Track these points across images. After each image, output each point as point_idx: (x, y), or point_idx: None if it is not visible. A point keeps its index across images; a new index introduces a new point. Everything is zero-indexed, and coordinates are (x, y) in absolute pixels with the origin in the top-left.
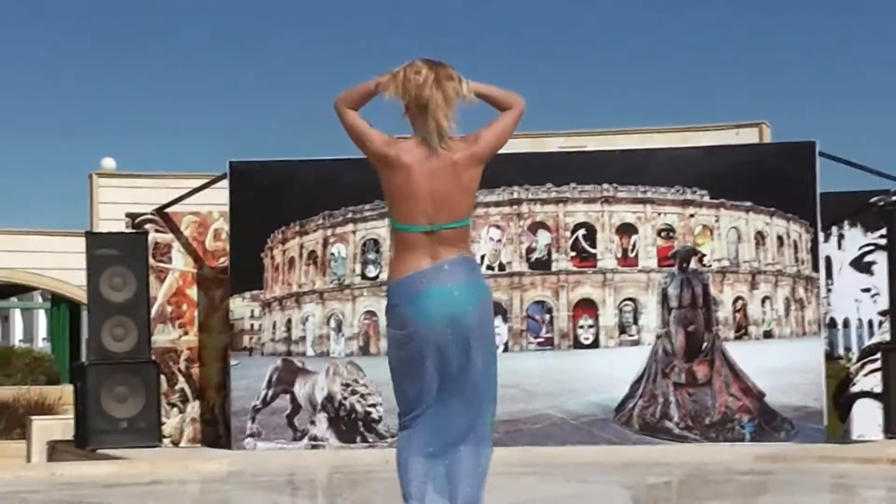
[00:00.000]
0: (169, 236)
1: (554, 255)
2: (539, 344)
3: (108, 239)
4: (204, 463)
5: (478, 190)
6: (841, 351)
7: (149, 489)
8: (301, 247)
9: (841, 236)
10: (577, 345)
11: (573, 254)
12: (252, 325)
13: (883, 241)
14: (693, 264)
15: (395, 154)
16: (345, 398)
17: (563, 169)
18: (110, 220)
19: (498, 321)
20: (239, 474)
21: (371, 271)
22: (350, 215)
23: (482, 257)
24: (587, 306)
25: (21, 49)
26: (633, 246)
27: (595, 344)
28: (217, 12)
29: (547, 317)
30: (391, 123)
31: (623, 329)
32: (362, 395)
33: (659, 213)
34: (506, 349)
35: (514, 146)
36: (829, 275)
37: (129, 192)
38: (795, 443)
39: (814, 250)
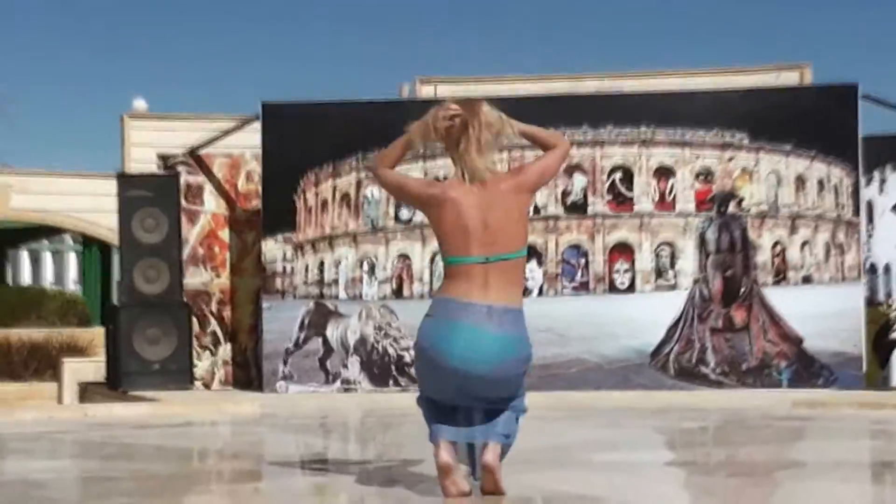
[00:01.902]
0: (201, 178)
1: (590, 199)
2: (574, 288)
3: (140, 181)
4: (236, 405)
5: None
6: (881, 297)
7: (181, 430)
8: (334, 189)
9: (883, 180)
10: (613, 289)
11: (609, 197)
12: (284, 268)
13: None
14: (731, 208)
15: (441, 191)
16: (377, 341)
17: (600, 111)
18: (142, 163)
19: (532, 265)
20: (271, 417)
21: (404, 214)
22: None
23: None
24: (623, 250)
25: None
26: (671, 189)
27: (631, 288)
28: None
29: (582, 261)
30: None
31: (659, 273)
32: (395, 339)
33: (697, 156)
34: (540, 293)
35: (550, 87)
36: (870, 219)
37: (160, 134)
38: (834, 389)
39: (855, 194)
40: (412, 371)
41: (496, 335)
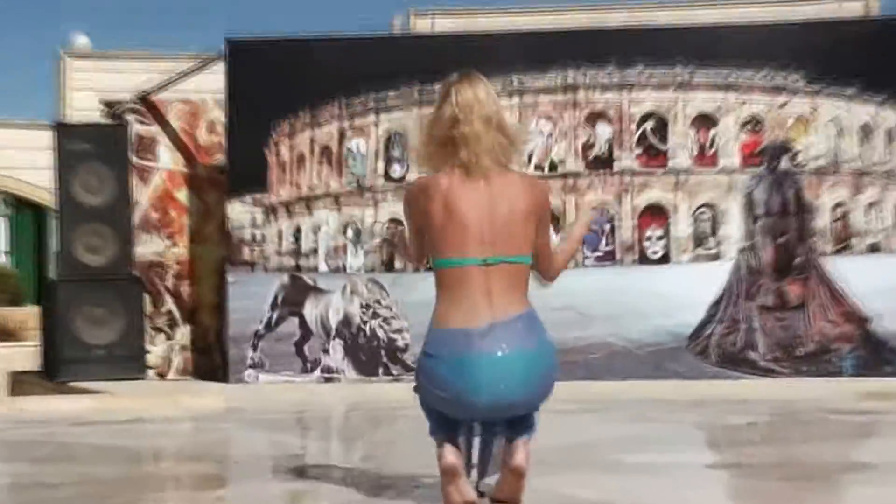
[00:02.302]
0: (154, 129)
1: (616, 152)
2: (598, 259)
3: (82, 132)
4: (196, 398)
5: (525, 73)
6: None
7: (131, 428)
8: (312, 141)
9: None
10: (644, 260)
11: (639, 150)
12: (254, 235)
13: None
14: (784, 163)
15: (433, 183)
16: (364, 322)
17: (628, 48)
18: (84, 111)
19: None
20: (238, 412)
21: (396, 171)
22: (372, 104)
23: (529, 156)
24: (656, 214)
25: None
26: (713, 141)
27: (665, 259)
28: None
29: (607, 226)
30: None
31: (699, 241)
32: (385, 319)
33: (744, 102)
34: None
35: (570, 21)
36: None
37: (105, 76)
38: None
39: None
40: (406, 357)
41: (520, 354)
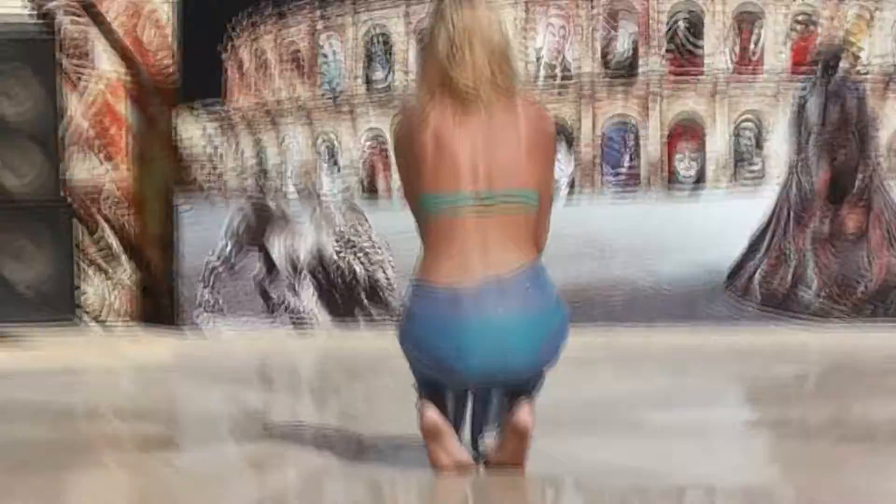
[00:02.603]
0: (90, 28)
1: (641, 55)
2: (619, 182)
3: (2, 32)
4: (140, 348)
5: None
6: None
7: (62, 382)
8: (278, 42)
9: None
10: (674, 182)
11: (669, 52)
12: (208, 154)
13: None
14: (842, 68)
15: (424, 112)
16: (340, 256)
17: None
18: (6, 7)
19: (562, 151)
20: (189, 362)
21: (378, 75)
22: None
23: (538, 59)
24: (689, 128)
25: None
26: (757, 41)
27: (699, 182)
28: None
29: (631, 143)
30: None
31: (740, 160)
32: (365, 252)
33: None
34: (571, 190)
35: None
36: None
37: None
38: None
39: None
40: (389, 297)
41: (519, 317)
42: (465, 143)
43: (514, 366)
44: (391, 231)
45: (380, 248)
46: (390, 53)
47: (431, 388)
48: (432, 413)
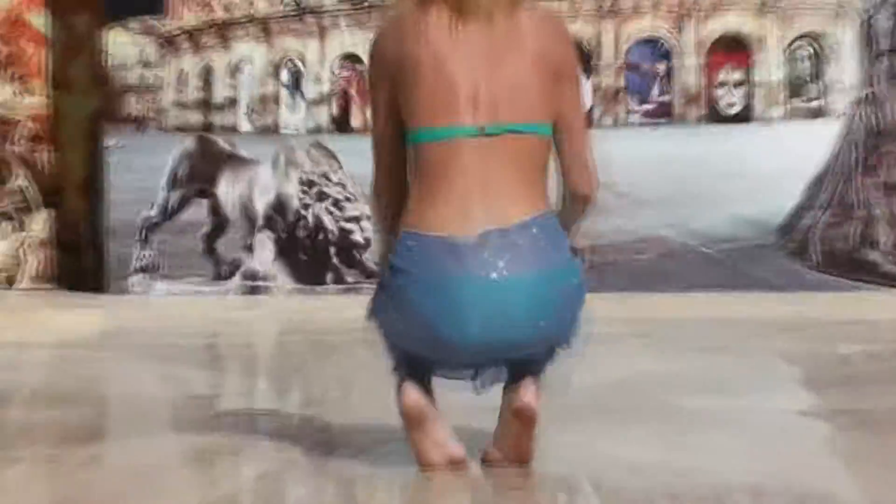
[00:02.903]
0: None
1: None
2: (647, 115)
3: None
4: (61, 315)
5: None
6: None
7: None
8: None
9: None
10: (715, 116)
11: None
12: (144, 79)
13: None
14: None
15: (410, 23)
16: (306, 206)
17: None
18: None
19: None
20: (121, 335)
21: None
22: None
23: None
24: (733, 49)
25: None
26: None
27: (745, 115)
28: None
29: (661, 66)
30: None
31: (795, 89)
32: (336, 202)
33: None
34: (589, 123)
35: None
36: None
37: None
38: None
39: None
40: (366, 258)
41: (526, 277)
42: (464, 63)
43: (519, 335)
44: (369, 175)
45: (355, 198)
46: None
47: (414, 369)
48: (415, 394)
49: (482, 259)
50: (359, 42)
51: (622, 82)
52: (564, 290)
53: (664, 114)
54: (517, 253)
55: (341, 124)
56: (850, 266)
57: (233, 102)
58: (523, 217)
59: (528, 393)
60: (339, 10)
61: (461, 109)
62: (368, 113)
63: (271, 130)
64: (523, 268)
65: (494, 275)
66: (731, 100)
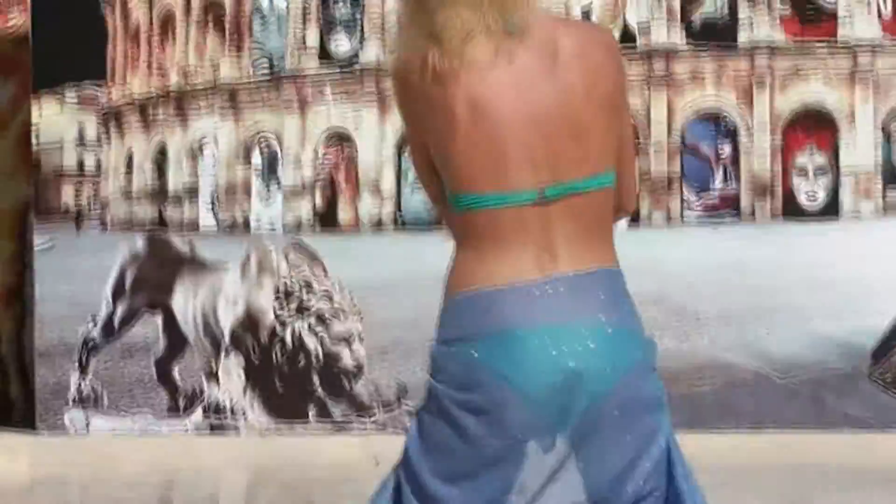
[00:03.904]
0: None
1: (742, 13)
2: (707, 209)
3: None
4: None
5: None
6: None
7: None
8: None
9: None
10: (792, 210)
11: (785, 9)
12: (82, 162)
13: None
14: None
15: (430, 58)
16: (283, 323)
17: None
18: None
19: None
20: (54, 485)
21: (340, 45)
22: None
23: (587, 12)
24: (815, 126)
25: None
26: None
27: (831, 209)
28: None
29: (726, 148)
30: None
31: (893, 177)
32: (320, 318)
33: None
34: (635, 220)
35: None
36: None
37: None
38: None
39: None
40: (359, 389)
41: (606, 325)
42: (506, 102)
43: (606, 401)
44: (363, 284)
45: (344, 310)
46: (359, 5)
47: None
48: None
49: (548, 306)
50: (348, 116)
51: (677, 168)
52: (636, 350)
53: (729, 208)
54: (585, 301)
55: (326, 219)
56: None
57: (192, 192)
58: (587, 267)
59: None
60: (323, 76)
61: (511, 171)
62: (359, 201)
63: (240, 227)
64: (610, 317)
65: (565, 323)
66: (812, 190)
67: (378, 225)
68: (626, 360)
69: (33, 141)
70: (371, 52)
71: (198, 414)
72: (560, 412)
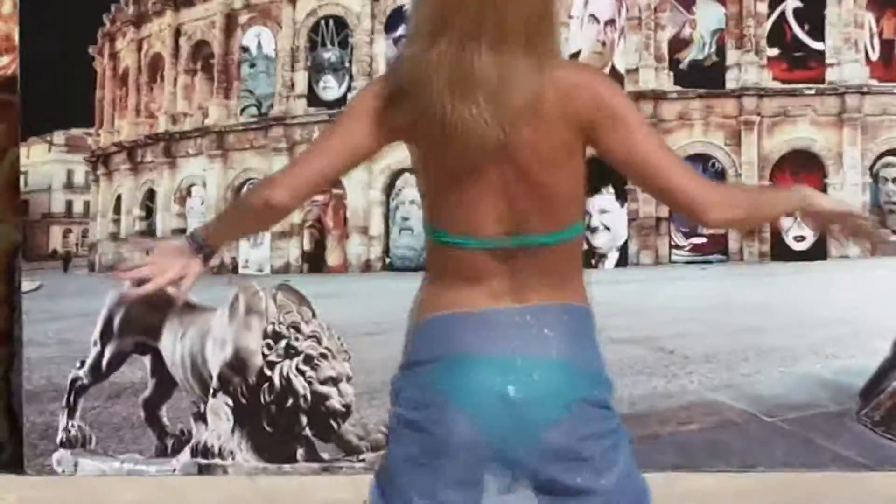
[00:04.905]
0: None
1: (730, 56)
2: (695, 250)
3: None
4: None
5: None
6: None
7: None
8: (177, 33)
9: None
10: (781, 252)
11: (773, 52)
12: (70, 206)
13: None
14: None
15: (410, 114)
16: (272, 365)
17: None
18: None
19: (607, 201)
20: None
21: (330, 89)
22: None
23: (576, 54)
24: (803, 167)
25: None
26: None
27: (818, 251)
28: None
29: None
30: None
31: (882, 218)
32: (308, 360)
33: None
34: (623, 261)
35: None
36: None
37: None
38: None
39: None
40: (347, 430)
41: (554, 362)
42: (479, 145)
43: (550, 434)
44: (351, 326)
45: (332, 352)
46: (348, 48)
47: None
48: None
49: (502, 332)
50: None
51: (665, 209)
52: (586, 387)
53: (717, 249)
54: (558, 336)
55: (315, 262)
56: None
57: (181, 234)
58: (562, 303)
59: None
60: (311, 119)
61: (480, 220)
62: (347, 245)
63: (228, 269)
64: (561, 351)
65: (517, 357)
66: (800, 232)
67: (366, 267)
68: (571, 394)
69: (22, 185)
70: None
71: (186, 455)
72: (503, 440)
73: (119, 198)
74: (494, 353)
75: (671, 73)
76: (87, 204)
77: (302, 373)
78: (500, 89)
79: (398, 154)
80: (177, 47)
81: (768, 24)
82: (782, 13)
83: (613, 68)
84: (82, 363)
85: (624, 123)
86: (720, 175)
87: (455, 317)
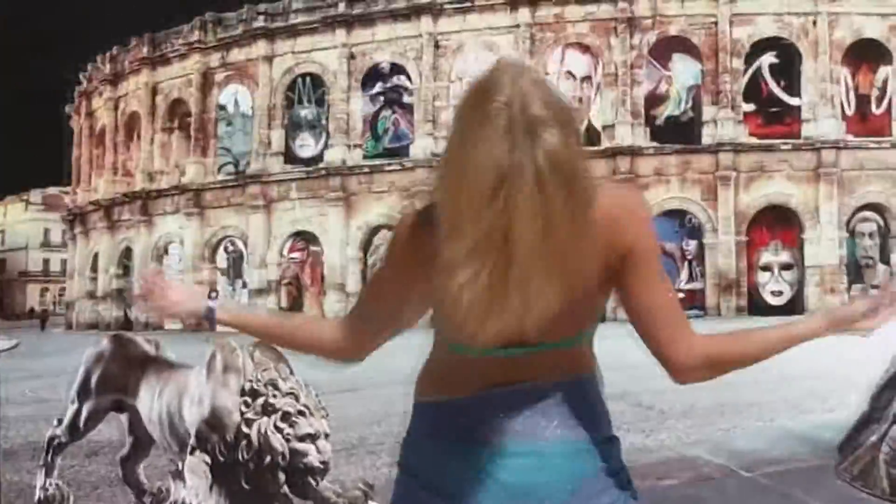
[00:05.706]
0: None
1: (706, 112)
2: None
3: None
4: None
5: None
6: None
7: None
8: (154, 91)
9: None
10: (758, 307)
11: (749, 107)
12: (47, 265)
13: None
14: None
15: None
16: (249, 423)
17: None
18: None
19: None
20: None
21: (306, 147)
22: (262, 22)
23: None
24: (779, 223)
25: None
26: (883, 89)
27: (795, 306)
28: None
29: (690, 245)
30: None
31: (857, 273)
32: (286, 417)
33: None
34: (601, 317)
35: None
36: None
37: None
38: None
39: None
40: (325, 490)
41: (554, 447)
42: (497, 305)
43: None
44: (330, 384)
45: (310, 409)
46: (325, 106)
47: None
48: None
49: (490, 422)
50: (312, 216)
51: None
52: (588, 464)
53: (694, 304)
54: (562, 413)
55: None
56: None
57: None
58: (564, 378)
59: None
60: (288, 177)
61: (494, 342)
62: (324, 301)
63: (205, 327)
64: (565, 431)
65: (509, 441)
66: (777, 287)
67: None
68: (575, 474)
69: None
70: (336, 153)
71: None
72: None
73: (96, 256)
74: (493, 440)
75: (647, 129)
76: (63, 262)
77: (280, 430)
78: (524, 313)
79: (376, 209)
80: (153, 106)
81: (744, 80)
82: (758, 69)
83: (590, 124)
84: (60, 421)
85: (647, 266)
86: (696, 231)
87: (453, 402)
